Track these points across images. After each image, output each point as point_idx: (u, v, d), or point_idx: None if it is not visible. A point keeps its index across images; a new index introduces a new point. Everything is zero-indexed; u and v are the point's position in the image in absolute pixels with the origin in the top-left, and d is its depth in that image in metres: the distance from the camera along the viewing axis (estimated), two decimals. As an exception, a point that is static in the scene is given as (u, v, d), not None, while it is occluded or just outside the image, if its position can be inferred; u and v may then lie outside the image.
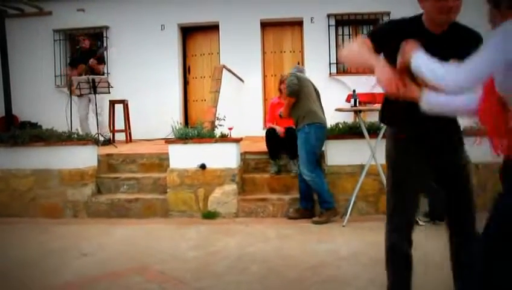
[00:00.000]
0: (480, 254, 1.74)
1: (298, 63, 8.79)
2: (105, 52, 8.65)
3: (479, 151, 2.26)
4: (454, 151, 2.32)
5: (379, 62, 2.02)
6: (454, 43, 2.15)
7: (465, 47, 2.03)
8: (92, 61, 7.57)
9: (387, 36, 2.21)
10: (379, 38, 2.22)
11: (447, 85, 1.72)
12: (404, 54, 1.91)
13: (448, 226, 2.36)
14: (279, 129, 5.67)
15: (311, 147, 5.02)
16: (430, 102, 1.88)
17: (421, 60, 1.82)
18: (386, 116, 2.42)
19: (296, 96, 5.08)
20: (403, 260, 2.34)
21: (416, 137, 2.27)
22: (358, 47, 2.18)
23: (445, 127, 2.27)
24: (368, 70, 2.11)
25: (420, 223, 4.72)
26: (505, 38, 1.59)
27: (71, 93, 7.48)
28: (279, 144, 5.69)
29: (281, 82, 5.97)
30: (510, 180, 1.70)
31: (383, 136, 4.91)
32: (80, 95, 7.50)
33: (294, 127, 5.33)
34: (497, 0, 1.74)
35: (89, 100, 7.66)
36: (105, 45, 9.57)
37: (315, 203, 5.19)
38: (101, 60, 7.94)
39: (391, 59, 2.05)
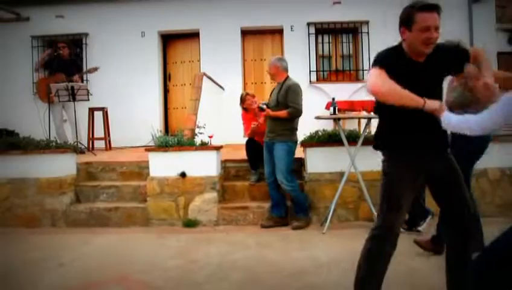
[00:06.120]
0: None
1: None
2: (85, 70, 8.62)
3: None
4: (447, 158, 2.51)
5: (424, 100, 2.22)
6: (436, 66, 2.34)
7: (446, 63, 2.36)
8: (76, 78, 7.52)
9: (390, 67, 2.31)
10: (388, 67, 2.29)
11: (476, 131, 2.14)
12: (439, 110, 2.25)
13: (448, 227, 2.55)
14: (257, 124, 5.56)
15: (291, 160, 5.11)
16: (449, 122, 2.23)
17: (448, 118, 2.24)
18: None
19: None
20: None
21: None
22: (390, 84, 2.24)
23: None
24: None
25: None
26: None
27: (50, 100, 7.35)
28: (260, 154, 5.68)
29: (243, 100, 5.93)
30: None
31: (363, 144, 5.00)
32: (53, 103, 7.38)
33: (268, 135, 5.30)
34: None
35: (63, 108, 7.57)
36: (85, 57, 9.51)
37: (288, 210, 5.25)
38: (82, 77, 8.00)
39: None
